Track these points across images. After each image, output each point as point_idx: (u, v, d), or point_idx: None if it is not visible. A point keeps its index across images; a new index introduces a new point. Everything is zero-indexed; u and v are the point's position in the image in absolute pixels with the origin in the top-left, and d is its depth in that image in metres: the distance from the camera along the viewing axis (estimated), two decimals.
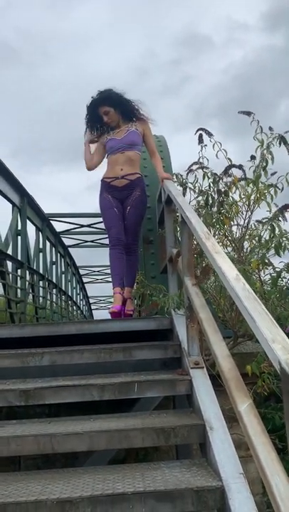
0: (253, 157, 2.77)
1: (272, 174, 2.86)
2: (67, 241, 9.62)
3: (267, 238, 2.50)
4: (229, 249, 2.98)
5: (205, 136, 3.02)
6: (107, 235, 3.61)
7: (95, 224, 8.77)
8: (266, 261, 2.36)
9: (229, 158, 2.98)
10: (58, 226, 8.41)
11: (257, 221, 2.93)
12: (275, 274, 2.45)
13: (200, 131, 3.03)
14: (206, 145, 2.97)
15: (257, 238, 2.65)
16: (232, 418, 1.90)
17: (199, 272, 2.49)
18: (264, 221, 2.68)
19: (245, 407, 1.32)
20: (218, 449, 1.60)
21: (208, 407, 1.79)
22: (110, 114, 3.44)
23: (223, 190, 2.84)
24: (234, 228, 2.98)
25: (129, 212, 3.36)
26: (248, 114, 2.83)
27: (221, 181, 2.88)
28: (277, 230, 2.39)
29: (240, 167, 2.84)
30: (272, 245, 2.35)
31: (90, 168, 3.56)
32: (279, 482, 1.09)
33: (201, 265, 2.71)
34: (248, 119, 2.83)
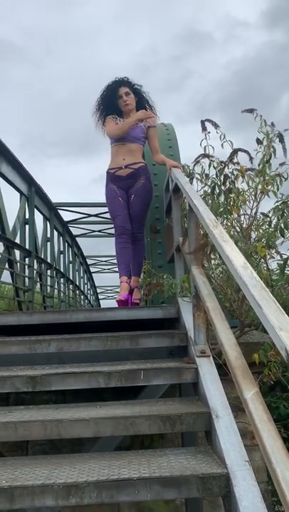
0: (258, 141, 2.76)
1: (281, 164, 2.84)
2: (74, 231, 9.65)
3: (275, 222, 2.49)
4: None
5: (210, 129, 3.01)
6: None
7: (102, 214, 8.77)
8: (271, 244, 2.36)
9: (235, 149, 2.96)
10: (66, 216, 8.43)
11: (262, 213, 2.93)
12: (282, 262, 2.44)
13: (206, 122, 3.02)
14: (209, 132, 2.96)
15: (266, 225, 2.64)
16: (237, 407, 1.91)
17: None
18: (274, 205, 2.66)
19: (251, 394, 1.31)
20: (223, 436, 1.60)
21: (214, 395, 1.80)
22: (130, 97, 3.48)
23: (230, 177, 2.82)
24: (242, 217, 2.98)
25: (133, 200, 3.37)
26: (251, 111, 2.83)
27: (227, 168, 2.86)
28: (286, 212, 2.38)
29: (246, 151, 2.82)
30: (279, 226, 2.34)
31: (120, 135, 3.41)
32: (284, 469, 1.09)
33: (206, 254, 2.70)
34: (249, 115, 2.82)
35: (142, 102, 3.52)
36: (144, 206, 3.43)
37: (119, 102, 3.47)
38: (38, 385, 2.01)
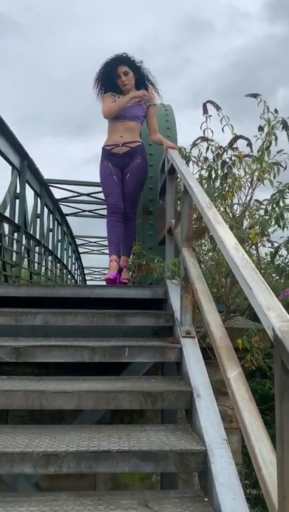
0: (260, 128, 2.74)
1: (279, 152, 2.84)
2: (65, 209, 9.54)
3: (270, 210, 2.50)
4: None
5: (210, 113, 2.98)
6: (105, 205, 3.58)
7: (94, 193, 8.68)
8: (265, 231, 2.37)
9: (235, 134, 2.94)
10: (57, 193, 8.32)
11: (256, 201, 2.93)
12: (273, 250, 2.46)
13: (208, 103, 2.98)
14: (210, 115, 2.93)
15: (262, 212, 2.65)
16: (218, 391, 1.94)
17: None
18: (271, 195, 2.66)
19: (234, 374, 1.33)
20: (203, 415, 1.63)
21: (196, 375, 1.82)
22: (129, 76, 3.39)
23: (228, 161, 2.81)
24: (235, 206, 2.98)
25: (128, 179, 3.32)
26: (255, 96, 2.81)
27: (225, 153, 2.85)
28: (281, 203, 2.39)
29: (247, 138, 2.80)
30: (274, 215, 2.34)
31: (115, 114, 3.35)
32: (262, 446, 1.11)
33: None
34: (247, 105, 2.81)
35: (142, 80, 3.45)
36: (139, 186, 3.39)
37: (117, 81, 3.40)
38: (22, 356, 2.01)
